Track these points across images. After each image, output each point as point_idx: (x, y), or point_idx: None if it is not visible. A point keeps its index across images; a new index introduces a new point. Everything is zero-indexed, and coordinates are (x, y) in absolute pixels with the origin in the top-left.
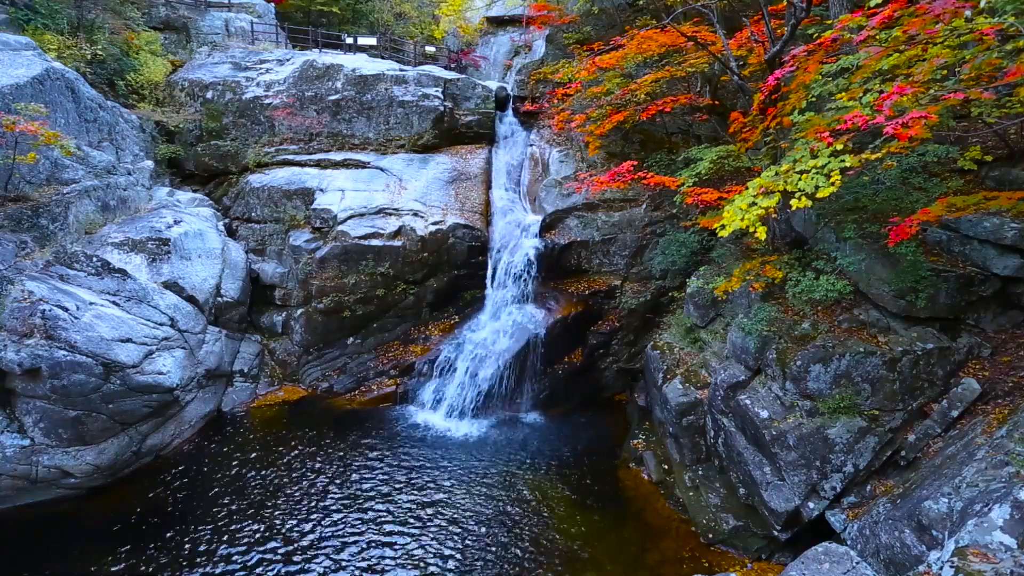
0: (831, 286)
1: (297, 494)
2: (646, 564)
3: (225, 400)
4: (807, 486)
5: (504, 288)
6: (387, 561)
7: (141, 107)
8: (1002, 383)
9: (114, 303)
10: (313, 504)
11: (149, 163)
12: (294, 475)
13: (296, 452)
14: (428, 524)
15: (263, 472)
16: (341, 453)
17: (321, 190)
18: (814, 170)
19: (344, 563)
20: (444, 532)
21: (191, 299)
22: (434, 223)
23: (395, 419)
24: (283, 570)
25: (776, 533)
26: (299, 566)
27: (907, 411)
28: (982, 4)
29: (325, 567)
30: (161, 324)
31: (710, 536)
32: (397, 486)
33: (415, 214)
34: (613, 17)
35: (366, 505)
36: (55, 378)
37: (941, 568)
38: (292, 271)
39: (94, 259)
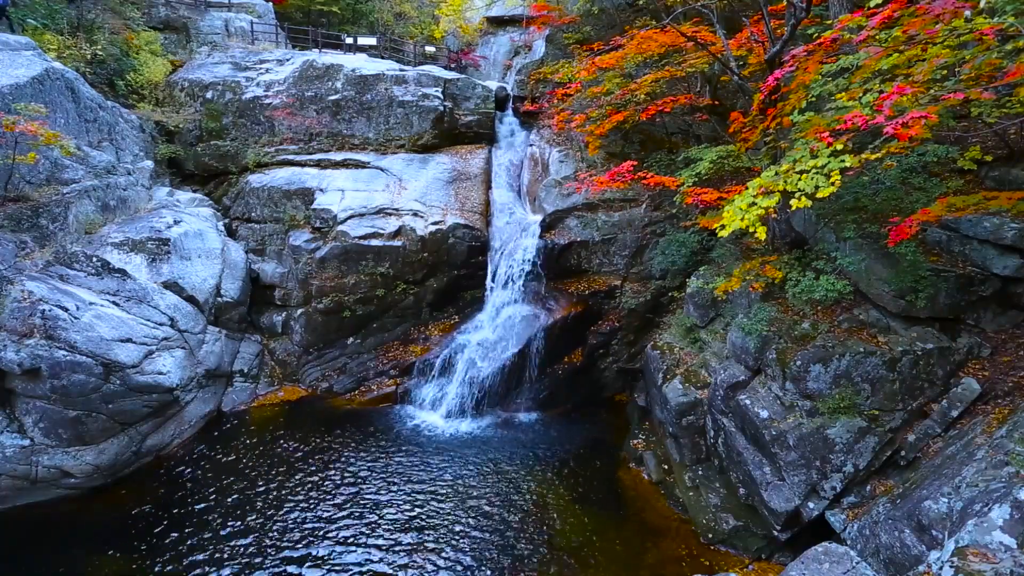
0: (831, 286)
1: (296, 495)
2: (646, 564)
3: (225, 400)
4: (807, 486)
5: (504, 288)
6: (386, 562)
7: (141, 107)
8: (1002, 383)
9: (114, 303)
10: (312, 505)
11: (149, 163)
12: (293, 475)
13: (295, 453)
14: (427, 525)
15: (263, 472)
16: (340, 454)
17: (321, 190)
18: (814, 170)
19: (344, 563)
20: (443, 533)
21: (191, 299)
22: (434, 223)
23: (395, 419)
24: (283, 570)
25: (776, 533)
26: (298, 566)
27: (907, 411)
28: (982, 4)
29: (324, 567)
30: (161, 324)
31: (710, 536)
32: (396, 486)
33: (415, 214)
34: (613, 17)
35: (365, 505)
36: (55, 378)
37: (941, 568)
38: (292, 271)
39: (94, 259)
